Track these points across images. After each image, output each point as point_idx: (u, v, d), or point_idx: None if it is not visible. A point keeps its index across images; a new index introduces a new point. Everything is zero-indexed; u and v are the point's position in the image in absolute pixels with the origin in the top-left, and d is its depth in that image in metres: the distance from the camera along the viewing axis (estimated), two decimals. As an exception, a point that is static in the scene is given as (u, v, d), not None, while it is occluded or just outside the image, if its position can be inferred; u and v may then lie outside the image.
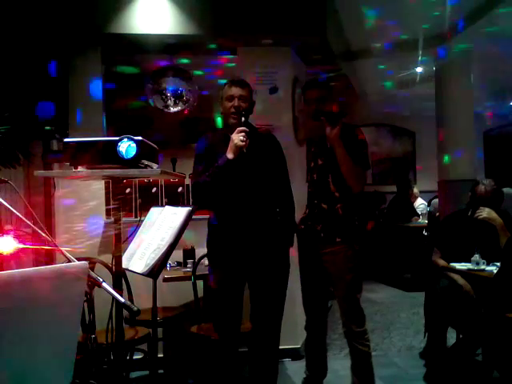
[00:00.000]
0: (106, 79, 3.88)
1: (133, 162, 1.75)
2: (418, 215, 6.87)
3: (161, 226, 2.40)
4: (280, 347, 2.66)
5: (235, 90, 2.53)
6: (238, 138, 2.37)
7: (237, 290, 2.55)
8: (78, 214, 3.61)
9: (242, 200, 2.48)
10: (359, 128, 2.78)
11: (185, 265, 3.50)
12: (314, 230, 2.68)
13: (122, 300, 1.40)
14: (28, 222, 1.43)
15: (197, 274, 3.11)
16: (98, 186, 3.62)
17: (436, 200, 5.82)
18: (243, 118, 2.46)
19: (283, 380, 3.28)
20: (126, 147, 1.74)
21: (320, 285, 2.78)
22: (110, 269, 2.64)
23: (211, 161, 2.47)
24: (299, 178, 3.14)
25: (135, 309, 1.40)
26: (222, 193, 2.48)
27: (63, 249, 1.42)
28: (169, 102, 4.09)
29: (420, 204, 7.12)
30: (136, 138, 1.76)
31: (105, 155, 1.78)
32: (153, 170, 1.88)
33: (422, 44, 4.99)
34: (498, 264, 3.01)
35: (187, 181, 3.82)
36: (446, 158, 5.01)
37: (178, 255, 3.48)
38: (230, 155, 2.38)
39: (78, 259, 1.37)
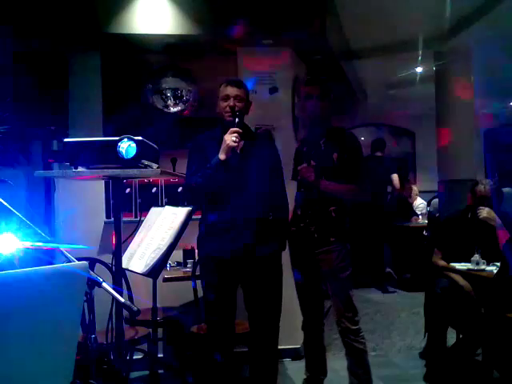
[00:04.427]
0: (106, 79, 3.88)
1: (133, 162, 1.75)
2: (417, 215, 6.86)
3: (161, 226, 2.41)
4: (280, 347, 2.66)
5: (231, 90, 2.52)
6: (230, 138, 2.36)
7: (229, 292, 2.53)
8: (78, 214, 3.61)
9: (234, 200, 2.47)
10: (353, 135, 2.86)
11: (185, 265, 3.50)
12: (308, 231, 2.70)
13: (122, 300, 1.40)
14: (28, 222, 1.43)
15: (197, 274, 3.11)
16: (98, 186, 3.62)
17: (436, 200, 5.81)
18: (237, 119, 2.46)
19: (283, 380, 3.28)
20: (126, 147, 1.75)
21: (314, 284, 2.79)
22: (109, 269, 2.64)
23: (204, 161, 2.47)
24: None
25: (135, 309, 1.40)
26: (215, 193, 2.47)
27: (63, 249, 1.42)
28: (169, 102, 4.09)
29: (420, 204, 7.12)
30: (136, 138, 1.76)
31: (105, 155, 1.78)
32: (153, 170, 1.88)
33: (422, 44, 4.99)
34: (498, 264, 3.01)
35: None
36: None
37: (177, 255, 3.48)
38: (221, 156, 2.38)
39: (78, 259, 1.37)
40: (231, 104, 2.50)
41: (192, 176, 2.51)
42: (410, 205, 7.02)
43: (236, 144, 2.36)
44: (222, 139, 2.42)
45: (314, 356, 2.88)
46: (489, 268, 3.05)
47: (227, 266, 2.48)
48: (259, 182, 2.51)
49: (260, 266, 2.50)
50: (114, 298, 1.38)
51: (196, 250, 3.49)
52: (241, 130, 2.40)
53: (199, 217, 2.67)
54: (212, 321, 2.58)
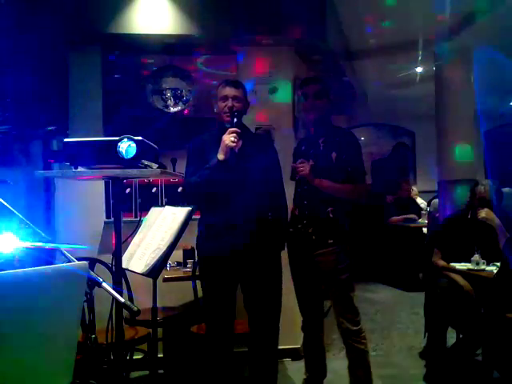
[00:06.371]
0: (106, 79, 3.88)
1: (133, 162, 1.75)
2: (420, 212, 6.85)
3: (161, 226, 2.40)
4: (280, 347, 2.66)
5: (229, 91, 2.53)
6: (228, 138, 2.37)
7: (228, 293, 2.53)
8: (78, 214, 3.61)
9: (233, 200, 2.47)
10: (352, 134, 2.83)
11: (185, 265, 3.50)
12: (306, 233, 2.67)
13: (122, 300, 1.40)
14: (28, 222, 1.43)
15: (197, 274, 3.11)
16: (98, 186, 3.62)
17: (436, 200, 5.80)
18: (235, 119, 2.47)
19: (283, 380, 3.28)
20: (126, 147, 1.74)
21: (313, 286, 2.77)
22: (109, 269, 2.64)
23: (203, 161, 2.48)
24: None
25: (135, 309, 1.40)
26: (214, 193, 2.48)
27: (63, 249, 1.42)
28: (169, 102, 4.10)
29: (420, 204, 7.12)
30: (136, 138, 1.76)
31: (105, 155, 1.78)
32: (153, 170, 1.88)
33: (422, 44, 4.99)
34: (498, 264, 3.01)
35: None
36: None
37: (178, 255, 3.47)
38: (220, 156, 2.39)
39: (78, 259, 1.37)
40: (229, 104, 2.51)
41: (191, 176, 2.51)
42: (410, 204, 7.01)
43: (234, 144, 2.37)
44: (220, 139, 2.43)
45: (313, 357, 2.88)
46: (489, 268, 3.05)
47: (226, 267, 2.49)
48: (258, 182, 2.51)
49: (259, 266, 2.50)
50: (114, 297, 1.38)
51: (196, 250, 3.51)
52: (239, 130, 2.40)
53: (199, 217, 2.67)
54: (212, 321, 2.58)
